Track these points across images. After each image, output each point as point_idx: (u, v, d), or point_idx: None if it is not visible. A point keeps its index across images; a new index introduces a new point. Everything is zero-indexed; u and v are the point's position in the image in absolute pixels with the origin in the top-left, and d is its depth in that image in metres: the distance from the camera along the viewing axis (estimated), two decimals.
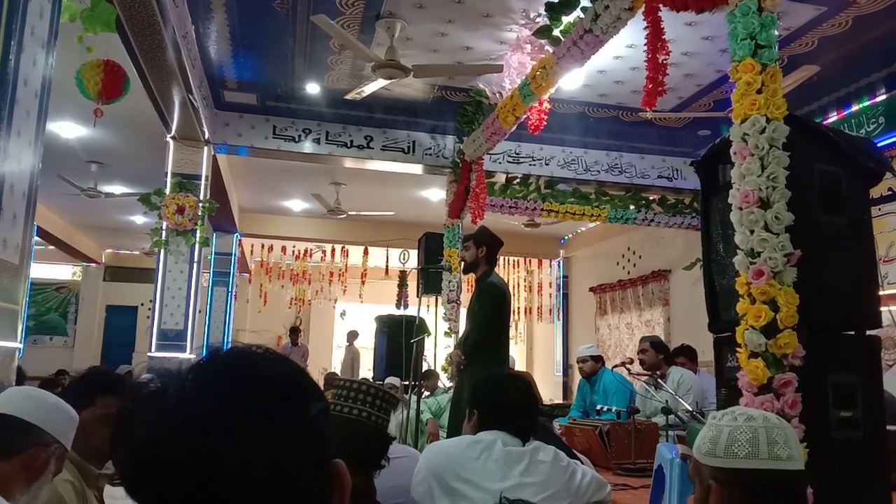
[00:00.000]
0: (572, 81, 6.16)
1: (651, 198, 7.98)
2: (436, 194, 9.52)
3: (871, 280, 2.67)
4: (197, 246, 6.73)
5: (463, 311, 6.24)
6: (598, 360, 5.44)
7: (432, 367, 6.75)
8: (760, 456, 1.33)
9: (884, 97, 5.98)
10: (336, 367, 14.18)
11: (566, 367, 12.52)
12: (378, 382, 2.12)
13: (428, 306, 5.63)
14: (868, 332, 2.60)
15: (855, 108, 6.22)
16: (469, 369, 4.19)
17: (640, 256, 10.73)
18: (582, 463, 2.36)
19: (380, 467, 1.95)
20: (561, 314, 13.05)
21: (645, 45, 3.58)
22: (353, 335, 11.82)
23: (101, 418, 1.96)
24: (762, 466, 1.33)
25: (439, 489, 2.07)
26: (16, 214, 2.31)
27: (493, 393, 2.33)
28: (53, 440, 1.66)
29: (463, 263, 4.65)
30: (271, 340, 14.76)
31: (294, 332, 11.84)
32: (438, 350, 6.20)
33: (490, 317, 4.30)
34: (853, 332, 2.59)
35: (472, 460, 2.08)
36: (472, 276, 4.75)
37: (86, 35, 3.34)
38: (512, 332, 13.59)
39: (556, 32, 4.77)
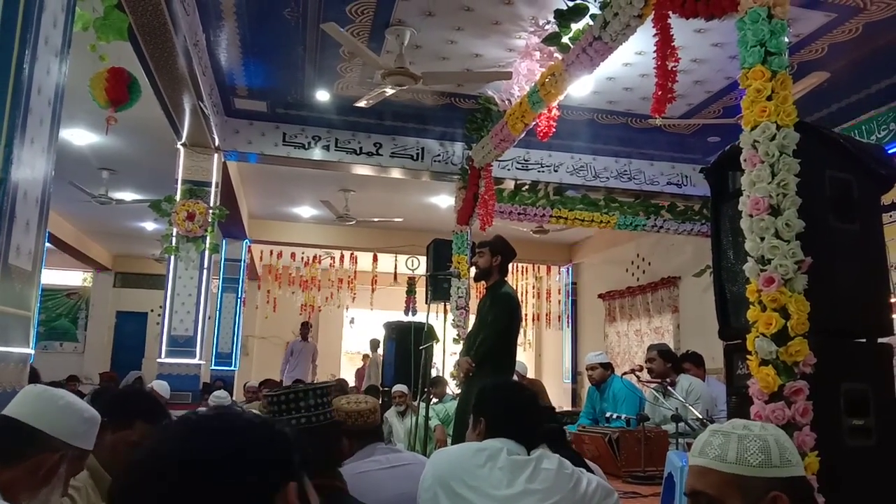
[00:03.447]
0: (581, 88, 6.16)
1: (660, 204, 7.96)
2: (444, 201, 9.53)
3: (883, 287, 2.65)
4: (207, 252, 6.76)
5: (471, 318, 6.24)
6: (608, 367, 5.42)
7: (441, 374, 6.75)
8: (800, 462, 1.39)
9: (894, 104, 5.94)
10: (344, 374, 14.19)
11: (575, 374, 12.48)
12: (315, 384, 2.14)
13: (437, 313, 5.62)
14: (880, 340, 2.58)
15: (865, 114, 6.19)
16: (478, 377, 4.19)
17: (649, 263, 10.70)
18: (592, 472, 2.35)
19: (341, 459, 1.99)
20: (570, 321, 13.02)
21: (654, 51, 3.58)
22: (375, 343, 11.74)
23: (133, 445, 1.97)
24: (800, 472, 1.38)
25: (445, 496, 2.07)
26: (29, 221, 2.33)
27: (499, 401, 2.33)
28: (63, 445, 1.62)
29: (475, 270, 4.65)
30: (280, 346, 14.79)
31: (305, 326, 11.67)
32: (447, 357, 6.19)
33: (504, 326, 4.31)
34: (865, 340, 2.57)
35: (478, 467, 2.08)
36: (481, 283, 4.74)
37: (98, 43, 3.37)
38: (521, 338, 13.59)
39: (565, 39, 4.78)
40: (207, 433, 0.83)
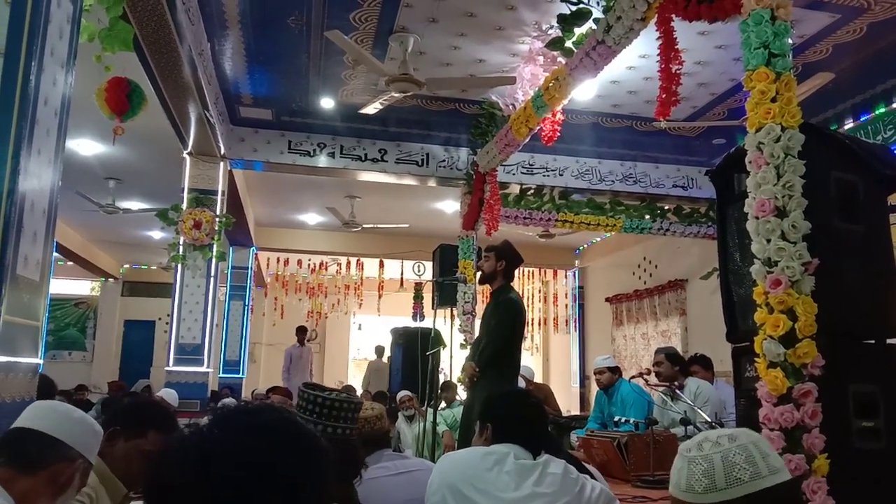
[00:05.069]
0: (585, 92, 6.16)
1: (666, 207, 7.95)
2: (450, 206, 9.54)
3: (891, 288, 2.64)
4: (214, 260, 6.78)
5: (478, 323, 6.23)
6: (616, 371, 5.40)
7: (450, 379, 6.73)
8: (763, 474, 1.23)
9: None
10: (351, 380, 14.19)
11: (583, 379, 12.45)
12: (341, 394, 2.06)
13: (444, 318, 5.62)
14: (888, 341, 2.57)
15: (871, 114, 6.18)
16: (482, 382, 4.19)
17: (655, 266, 10.68)
18: (592, 476, 2.35)
19: (356, 475, 1.99)
20: (577, 325, 13.00)
21: (658, 55, 3.58)
22: (380, 350, 11.73)
23: (146, 454, 2.00)
24: (768, 484, 1.23)
25: (453, 499, 2.07)
26: (36, 232, 2.34)
27: (506, 407, 2.35)
28: (79, 455, 1.67)
29: (480, 273, 4.65)
30: None
31: (301, 331, 11.53)
32: (454, 362, 6.19)
33: (508, 331, 4.30)
34: (873, 341, 2.56)
35: (486, 471, 2.10)
36: (487, 288, 4.74)
37: (104, 54, 3.39)
38: (528, 343, 13.58)
39: (569, 44, 4.78)
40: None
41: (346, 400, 1.98)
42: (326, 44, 5.45)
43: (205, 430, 0.84)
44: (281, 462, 0.82)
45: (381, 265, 12.32)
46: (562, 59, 4.93)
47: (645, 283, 10.87)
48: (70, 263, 12.87)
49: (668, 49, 3.51)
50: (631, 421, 4.50)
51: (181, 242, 6.72)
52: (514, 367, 4.37)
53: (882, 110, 6.08)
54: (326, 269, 13.70)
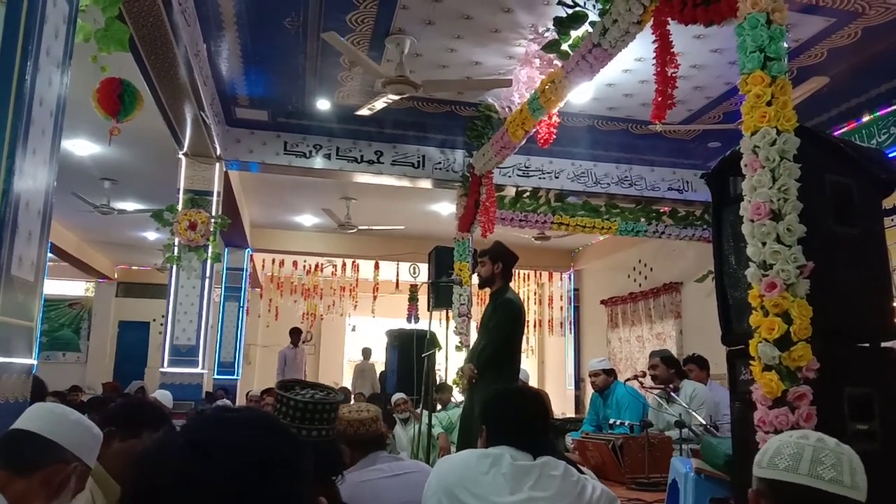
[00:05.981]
0: (581, 95, 6.18)
1: (662, 210, 7.97)
2: (446, 208, 9.54)
3: (886, 291, 2.65)
4: (209, 261, 6.77)
5: (473, 325, 6.23)
6: (611, 373, 5.41)
7: (445, 381, 6.74)
8: (800, 471, 1.33)
9: (894, 107, 5.95)
10: (346, 382, 14.18)
11: (578, 381, 12.46)
12: (321, 394, 2.04)
13: (440, 320, 5.62)
14: (883, 344, 2.58)
15: (865, 118, 6.20)
16: (481, 384, 4.18)
17: (651, 269, 10.70)
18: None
19: (338, 473, 1.98)
20: (572, 327, 13.01)
21: (653, 58, 3.58)
22: (367, 352, 11.73)
23: None
24: (798, 481, 1.32)
25: None
26: (31, 232, 2.33)
27: (500, 407, 2.28)
28: (74, 458, 1.66)
29: (478, 278, 4.65)
30: None
31: (295, 332, 11.46)
32: (450, 364, 6.19)
33: (507, 332, 4.29)
34: (868, 344, 2.57)
35: (482, 475, 2.06)
36: (485, 290, 4.74)
37: (100, 55, 3.38)
38: (524, 345, 13.59)
39: (565, 47, 4.79)
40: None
41: (320, 402, 1.92)
42: (323, 45, 5.45)
43: (183, 428, 0.84)
44: (269, 448, 0.82)
45: (377, 267, 12.32)
46: (558, 62, 4.93)
47: (640, 285, 10.89)
48: (64, 264, 12.82)
49: (664, 52, 3.52)
50: (626, 423, 4.51)
51: (176, 243, 6.70)
52: (513, 368, 4.35)
53: (876, 114, 6.11)
54: (322, 270, 13.69)
